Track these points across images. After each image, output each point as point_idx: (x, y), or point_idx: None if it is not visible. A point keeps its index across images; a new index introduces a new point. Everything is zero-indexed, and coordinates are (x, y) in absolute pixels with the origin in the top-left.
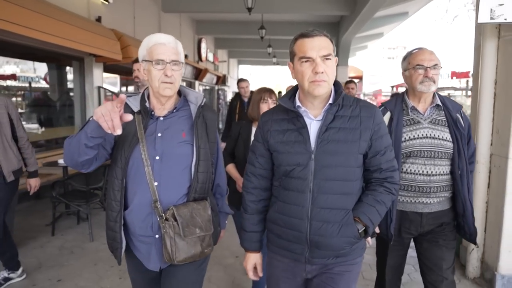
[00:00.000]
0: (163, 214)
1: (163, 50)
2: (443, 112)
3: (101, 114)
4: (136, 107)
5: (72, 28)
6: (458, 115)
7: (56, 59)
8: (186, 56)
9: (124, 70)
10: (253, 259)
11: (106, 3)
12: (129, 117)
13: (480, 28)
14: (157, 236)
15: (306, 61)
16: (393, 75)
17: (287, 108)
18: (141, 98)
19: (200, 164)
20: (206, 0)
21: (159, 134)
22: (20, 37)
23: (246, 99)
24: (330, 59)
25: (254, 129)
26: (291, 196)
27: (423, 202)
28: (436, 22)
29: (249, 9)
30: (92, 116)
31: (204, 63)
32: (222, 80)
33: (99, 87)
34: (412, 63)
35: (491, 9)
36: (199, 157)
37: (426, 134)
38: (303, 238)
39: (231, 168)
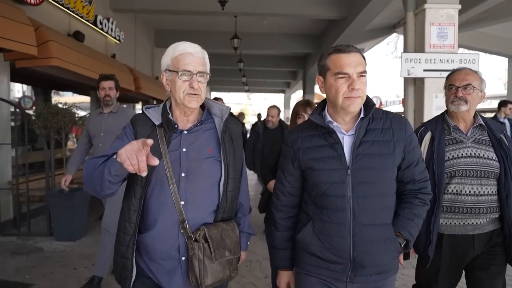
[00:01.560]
0: (192, 235)
1: (190, 61)
2: (486, 132)
3: (126, 156)
4: (157, 119)
5: (101, 65)
6: (502, 136)
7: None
8: None
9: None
10: (286, 277)
11: (118, 42)
12: (156, 161)
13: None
14: (183, 258)
15: (342, 77)
16: None
17: (318, 124)
18: (162, 109)
19: (229, 182)
20: (195, 38)
21: (184, 149)
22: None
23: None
24: (364, 75)
25: None
26: (330, 215)
27: (472, 223)
28: (387, 56)
29: (235, 48)
30: (115, 154)
31: None
32: None
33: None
34: (447, 83)
35: (407, 70)
36: (228, 175)
37: (471, 153)
38: (346, 257)
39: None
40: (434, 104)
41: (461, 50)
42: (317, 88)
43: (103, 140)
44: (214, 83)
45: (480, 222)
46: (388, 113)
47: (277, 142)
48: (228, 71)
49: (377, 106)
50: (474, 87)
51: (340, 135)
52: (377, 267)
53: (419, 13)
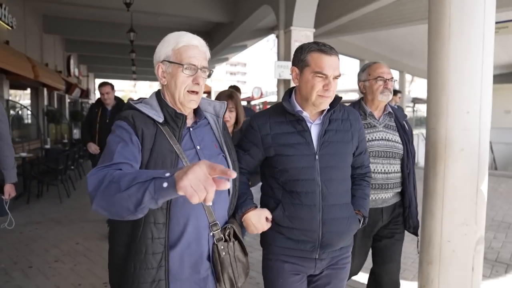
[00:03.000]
0: (222, 236)
1: (195, 54)
2: (393, 119)
3: (193, 190)
4: (158, 116)
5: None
6: (405, 122)
7: None
8: (60, 72)
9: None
10: (259, 211)
11: (10, 28)
12: (227, 185)
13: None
14: (211, 267)
15: (320, 76)
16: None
17: (289, 111)
18: (160, 104)
19: (236, 178)
20: (86, 26)
21: (198, 147)
22: None
23: (109, 107)
24: (338, 78)
25: None
26: (301, 197)
27: (382, 198)
28: (267, 51)
29: (131, 41)
30: (156, 178)
31: (72, 78)
32: (86, 93)
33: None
34: (372, 74)
35: (279, 73)
36: (235, 170)
37: (382, 137)
38: (315, 236)
39: None
40: None
41: None
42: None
43: None
44: (101, 70)
45: (388, 196)
46: (343, 105)
47: None
48: (118, 60)
49: (257, 96)
50: (395, 80)
51: (308, 124)
52: (342, 242)
53: (287, 32)
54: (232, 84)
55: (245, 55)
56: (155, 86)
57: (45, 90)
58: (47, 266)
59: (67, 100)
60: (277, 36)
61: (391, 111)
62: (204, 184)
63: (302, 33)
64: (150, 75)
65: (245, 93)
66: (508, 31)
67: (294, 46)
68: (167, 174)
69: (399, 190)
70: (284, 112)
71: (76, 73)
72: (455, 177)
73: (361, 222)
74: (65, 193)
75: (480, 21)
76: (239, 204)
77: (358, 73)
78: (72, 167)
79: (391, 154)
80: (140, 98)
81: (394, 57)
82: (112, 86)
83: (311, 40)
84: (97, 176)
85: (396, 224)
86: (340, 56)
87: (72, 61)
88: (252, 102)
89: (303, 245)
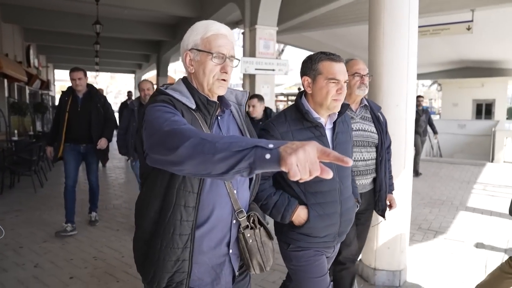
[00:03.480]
0: (248, 223)
1: (225, 43)
2: (369, 111)
3: (297, 169)
4: (190, 103)
5: None
6: (379, 114)
7: None
8: (20, 63)
9: None
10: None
11: None
12: (330, 174)
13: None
14: (231, 251)
15: (333, 82)
16: None
17: (308, 119)
18: (191, 91)
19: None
20: (49, 16)
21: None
22: None
23: (80, 95)
24: (346, 82)
25: None
26: (325, 196)
27: (361, 183)
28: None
29: (97, 34)
30: (258, 146)
31: (32, 69)
32: (46, 85)
33: None
34: (350, 71)
35: (245, 68)
36: None
37: (359, 128)
38: (336, 228)
39: None
40: (262, 92)
41: (288, 47)
42: (170, 71)
43: None
44: (61, 61)
45: (366, 182)
46: None
47: None
48: (80, 51)
49: None
50: (371, 75)
51: (324, 129)
52: (349, 227)
53: (252, 30)
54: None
55: None
56: (117, 77)
57: (5, 81)
58: (37, 246)
59: (27, 92)
60: (243, 34)
61: (367, 103)
62: (310, 167)
63: (266, 31)
64: (113, 67)
65: None
66: (450, 32)
67: (259, 43)
68: (271, 146)
69: (374, 175)
70: (301, 119)
71: (36, 64)
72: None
73: (357, 207)
74: (39, 183)
75: (405, 28)
76: (287, 205)
77: None
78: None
79: (368, 143)
80: (165, 84)
81: (353, 51)
82: (84, 72)
83: (275, 37)
84: (180, 130)
85: (370, 210)
86: (302, 50)
87: (31, 51)
88: None
89: (327, 238)
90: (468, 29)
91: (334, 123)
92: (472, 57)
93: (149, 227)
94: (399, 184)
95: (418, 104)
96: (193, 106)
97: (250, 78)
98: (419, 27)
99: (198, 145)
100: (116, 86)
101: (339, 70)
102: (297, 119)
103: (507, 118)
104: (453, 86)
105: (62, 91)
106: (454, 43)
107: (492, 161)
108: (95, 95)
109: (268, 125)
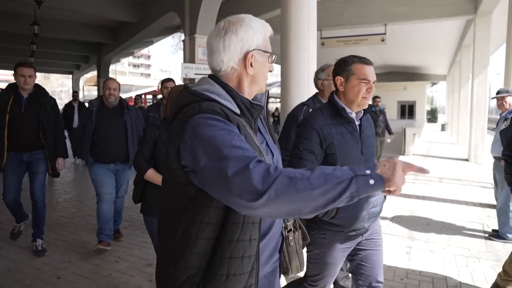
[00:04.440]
0: (291, 227)
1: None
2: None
3: (399, 187)
4: (235, 108)
5: None
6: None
7: None
8: None
9: None
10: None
11: None
12: (426, 172)
13: None
14: (279, 259)
15: (364, 82)
16: (140, 81)
17: (344, 115)
18: (232, 94)
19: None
20: None
21: (266, 139)
22: None
23: (25, 95)
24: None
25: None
26: None
27: None
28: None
29: (36, 34)
30: (358, 175)
31: None
32: None
33: None
34: (331, 75)
35: (185, 73)
36: (282, 158)
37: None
38: (365, 217)
39: (153, 173)
40: None
41: None
42: (111, 73)
43: None
44: None
45: None
46: None
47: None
48: (15, 50)
49: None
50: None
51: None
52: (378, 214)
53: (192, 39)
54: (165, 78)
55: (149, 47)
56: (51, 78)
57: None
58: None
59: None
60: (183, 41)
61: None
62: (402, 180)
63: (205, 40)
64: (50, 67)
65: (150, 86)
66: (368, 42)
67: (198, 50)
68: (368, 172)
69: None
70: (335, 116)
71: None
72: None
73: (385, 198)
74: None
75: (305, 43)
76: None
77: (317, 72)
78: None
79: None
80: (187, 84)
81: None
82: (35, 69)
83: None
84: (261, 170)
85: None
86: None
87: None
88: (159, 96)
89: (355, 227)
90: (382, 40)
91: (360, 119)
92: (395, 63)
93: (197, 260)
94: None
95: (375, 104)
96: (238, 111)
97: (190, 81)
98: (343, 37)
99: (290, 184)
100: (50, 87)
101: (370, 72)
102: (332, 115)
103: (428, 121)
104: (381, 89)
105: (1, 89)
106: (378, 51)
107: (404, 154)
108: (43, 96)
109: (308, 119)
